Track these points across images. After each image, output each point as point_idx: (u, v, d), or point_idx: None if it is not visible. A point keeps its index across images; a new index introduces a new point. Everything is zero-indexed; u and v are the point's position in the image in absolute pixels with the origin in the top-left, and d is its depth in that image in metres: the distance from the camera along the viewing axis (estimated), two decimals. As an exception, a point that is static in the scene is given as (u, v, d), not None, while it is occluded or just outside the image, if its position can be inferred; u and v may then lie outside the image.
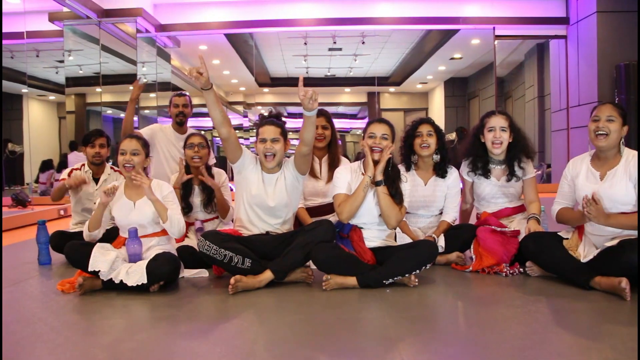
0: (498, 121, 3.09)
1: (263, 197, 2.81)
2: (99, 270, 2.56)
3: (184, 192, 3.34)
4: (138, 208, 2.79)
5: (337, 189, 2.80)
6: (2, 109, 7.12)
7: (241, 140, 10.54)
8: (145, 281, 2.54)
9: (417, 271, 2.59)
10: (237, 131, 2.93)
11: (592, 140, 2.59)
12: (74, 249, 2.69)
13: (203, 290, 2.66)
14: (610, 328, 1.99)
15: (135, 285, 2.54)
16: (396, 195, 2.75)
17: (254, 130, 2.88)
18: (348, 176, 2.83)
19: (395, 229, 2.91)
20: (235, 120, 11.47)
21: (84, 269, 2.61)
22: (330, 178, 3.32)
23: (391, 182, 2.77)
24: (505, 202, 3.18)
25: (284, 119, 3.02)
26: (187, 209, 3.33)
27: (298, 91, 2.49)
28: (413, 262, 2.57)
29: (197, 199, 3.35)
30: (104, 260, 2.57)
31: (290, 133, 3.13)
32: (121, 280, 2.56)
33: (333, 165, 3.36)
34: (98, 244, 2.67)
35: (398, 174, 2.83)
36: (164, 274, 2.59)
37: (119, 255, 2.65)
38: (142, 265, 2.58)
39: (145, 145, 2.89)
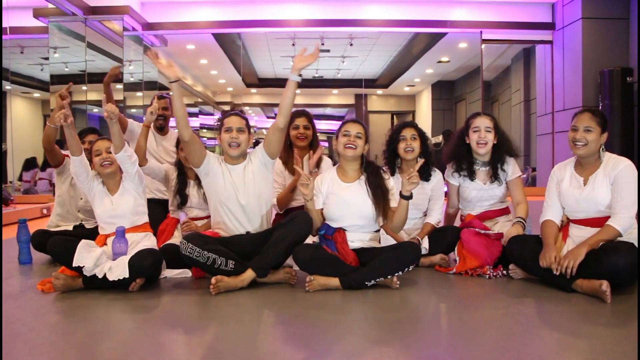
0: (483, 122, 3.12)
1: (233, 192, 2.79)
2: (83, 266, 2.52)
3: (179, 185, 3.29)
4: (116, 200, 2.86)
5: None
6: (1, 107, 7.02)
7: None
8: (127, 275, 2.51)
9: (400, 273, 2.58)
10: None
11: (571, 148, 2.64)
12: (57, 244, 2.67)
13: (185, 291, 2.64)
14: (590, 330, 2.02)
15: (117, 279, 2.51)
16: (381, 191, 2.77)
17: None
18: (322, 187, 2.86)
19: (379, 232, 2.93)
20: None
21: (68, 265, 2.57)
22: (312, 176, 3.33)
23: (373, 179, 2.80)
24: (490, 205, 3.19)
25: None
26: (181, 202, 3.27)
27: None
28: (396, 263, 2.56)
29: (192, 189, 3.27)
30: (89, 256, 2.54)
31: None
32: (104, 276, 2.52)
33: (315, 164, 3.37)
34: (83, 240, 2.64)
35: (377, 170, 2.86)
36: (145, 267, 2.57)
37: (103, 253, 2.63)
38: (125, 259, 2.57)
39: None
